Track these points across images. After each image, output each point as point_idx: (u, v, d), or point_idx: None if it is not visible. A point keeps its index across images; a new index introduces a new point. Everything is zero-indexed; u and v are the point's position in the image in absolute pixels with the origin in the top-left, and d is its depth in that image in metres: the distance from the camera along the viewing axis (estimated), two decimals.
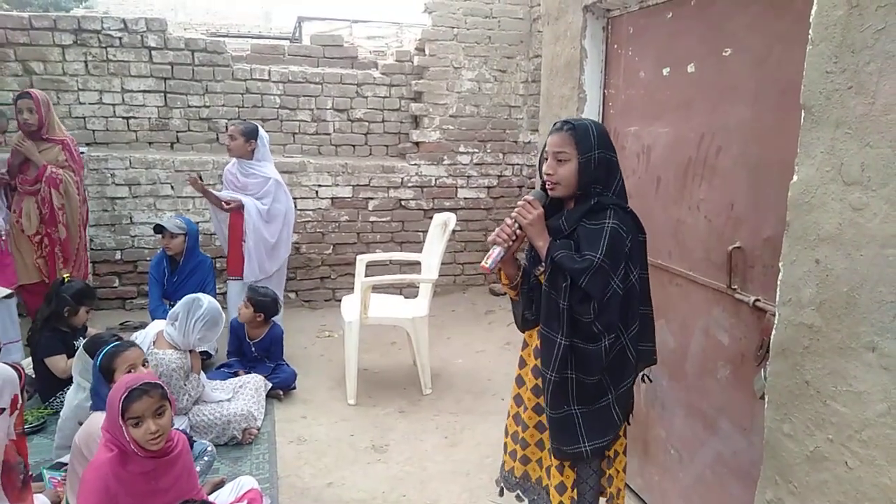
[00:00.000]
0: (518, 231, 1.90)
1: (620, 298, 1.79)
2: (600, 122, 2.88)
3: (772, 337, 1.69)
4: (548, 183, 1.89)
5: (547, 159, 1.89)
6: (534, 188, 1.99)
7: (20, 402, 2.13)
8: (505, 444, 2.23)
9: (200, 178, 4.29)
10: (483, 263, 1.90)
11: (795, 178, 1.57)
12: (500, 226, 1.92)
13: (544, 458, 2.05)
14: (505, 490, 2.23)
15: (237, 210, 4.18)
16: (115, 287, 5.23)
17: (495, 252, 1.88)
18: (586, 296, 1.76)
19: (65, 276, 3.82)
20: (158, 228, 4.26)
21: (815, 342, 1.55)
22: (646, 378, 2.16)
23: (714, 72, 2.17)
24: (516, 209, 1.90)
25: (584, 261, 1.76)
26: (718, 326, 2.21)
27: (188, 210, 5.18)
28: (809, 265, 1.55)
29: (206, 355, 3.95)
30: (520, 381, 2.14)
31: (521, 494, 2.19)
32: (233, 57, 5.38)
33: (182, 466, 2.18)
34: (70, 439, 2.86)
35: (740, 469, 2.12)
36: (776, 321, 1.67)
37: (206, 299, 3.22)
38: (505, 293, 2.10)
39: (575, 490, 1.98)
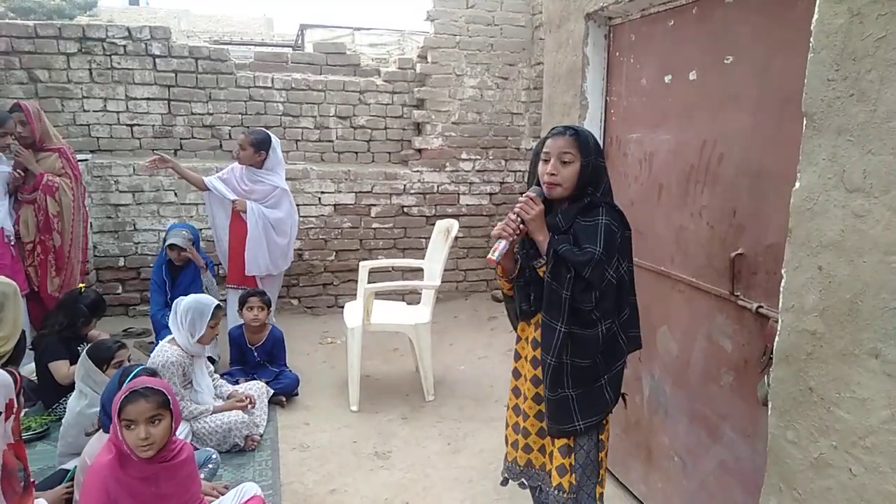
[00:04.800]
0: (521, 226, 1.98)
1: (614, 288, 1.94)
2: (602, 129, 2.90)
3: (775, 343, 1.69)
4: (548, 183, 1.99)
5: (548, 161, 1.99)
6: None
7: (16, 406, 2.13)
8: (506, 435, 2.30)
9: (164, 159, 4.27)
10: (490, 256, 1.98)
11: (798, 185, 1.57)
12: (503, 220, 2.00)
13: (546, 444, 2.15)
14: (509, 480, 2.30)
15: (240, 214, 4.21)
16: (119, 294, 5.25)
17: (501, 245, 1.97)
18: (588, 286, 1.89)
19: (80, 286, 3.84)
20: (172, 246, 4.16)
21: (818, 349, 1.55)
22: (623, 399, 2.20)
23: (716, 79, 2.17)
24: (519, 205, 1.98)
25: (585, 254, 1.89)
26: (721, 333, 2.21)
27: (191, 217, 5.20)
28: (812, 272, 1.55)
29: (209, 360, 3.96)
30: (516, 374, 2.25)
31: (524, 482, 2.26)
32: (236, 65, 5.41)
33: (186, 475, 2.17)
34: (73, 447, 2.87)
35: (744, 476, 2.12)
36: (779, 328, 1.67)
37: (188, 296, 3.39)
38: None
39: (574, 474, 2.07)
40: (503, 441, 2.33)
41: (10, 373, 2.24)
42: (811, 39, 1.51)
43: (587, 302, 1.89)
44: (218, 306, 3.37)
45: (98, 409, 2.91)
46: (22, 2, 20.91)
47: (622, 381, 2.10)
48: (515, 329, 2.26)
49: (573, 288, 1.89)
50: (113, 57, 5.08)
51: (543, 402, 2.10)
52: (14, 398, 2.19)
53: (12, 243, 3.91)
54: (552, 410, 2.02)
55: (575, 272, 1.88)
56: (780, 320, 1.67)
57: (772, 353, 1.72)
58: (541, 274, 2.02)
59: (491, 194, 5.92)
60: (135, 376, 2.51)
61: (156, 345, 3.92)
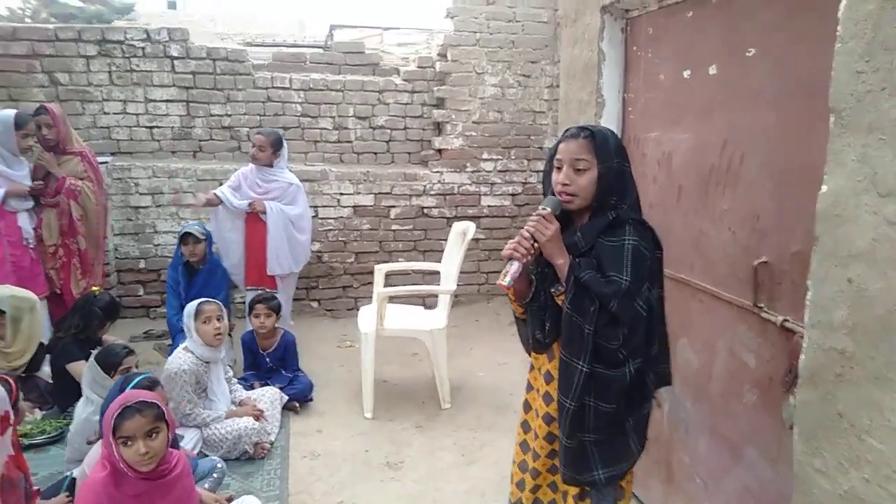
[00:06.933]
0: (535, 245, 1.72)
1: (644, 321, 1.68)
2: (620, 127, 2.75)
3: (800, 362, 1.55)
4: (562, 194, 1.74)
5: (561, 168, 1.74)
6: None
7: (13, 417, 2.10)
8: (512, 473, 2.08)
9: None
10: (500, 281, 1.72)
11: (824, 188, 1.43)
12: (514, 239, 1.75)
13: (557, 481, 1.93)
14: None
15: (259, 215, 4.22)
16: (140, 296, 5.26)
17: (514, 268, 1.71)
18: (614, 320, 1.64)
19: (94, 289, 3.85)
20: (185, 236, 4.18)
21: (848, 369, 1.41)
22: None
23: (737, 74, 2.02)
24: (531, 223, 1.72)
25: (611, 283, 1.64)
26: (744, 346, 2.06)
27: (209, 219, 5.17)
28: (841, 284, 1.41)
29: None
30: (527, 407, 2.03)
31: None
32: (254, 65, 5.37)
33: (181, 489, 2.10)
34: (79, 453, 2.84)
35: (768, 501, 1.97)
36: (804, 344, 1.53)
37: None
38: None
39: None
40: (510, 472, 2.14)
41: (7, 382, 2.21)
42: (838, 28, 1.37)
43: (614, 339, 1.65)
44: (205, 302, 3.34)
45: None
46: (63, 8, 21.54)
47: (648, 426, 1.86)
48: (528, 353, 2.01)
49: (597, 322, 1.64)
50: (132, 59, 5.08)
51: (556, 442, 1.86)
52: (10, 409, 2.15)
53: (31, 246, 3.93)
54: (569, 458, 1.78)
55: (599, 304, 1.64)
56: (805, 336, 1.53)
57: (797, 372, 1.58)
58: (559, 302, 1.76)
59: (513, 195, 5.79)
60: (136, 385, 2.46)
61: (173, 347, 3.92)
